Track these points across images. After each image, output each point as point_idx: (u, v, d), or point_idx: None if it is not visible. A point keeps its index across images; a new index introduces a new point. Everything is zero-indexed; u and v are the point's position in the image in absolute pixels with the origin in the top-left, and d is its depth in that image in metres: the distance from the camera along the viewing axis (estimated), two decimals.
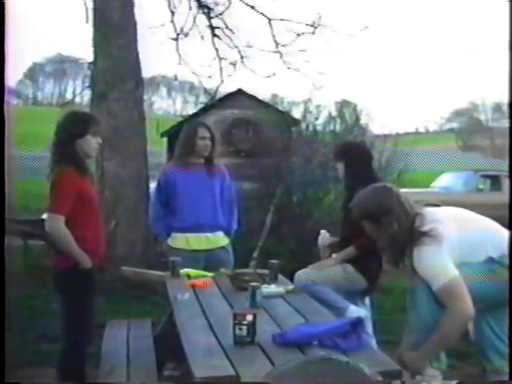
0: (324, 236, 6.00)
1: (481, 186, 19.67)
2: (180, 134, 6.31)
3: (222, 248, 6.11)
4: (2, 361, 3.67)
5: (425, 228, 4.01)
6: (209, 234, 6.03)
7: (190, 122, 6.77)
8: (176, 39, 12.54)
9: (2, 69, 4.16)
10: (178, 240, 6.03)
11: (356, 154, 5.79)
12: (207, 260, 5.95)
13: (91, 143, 4.58)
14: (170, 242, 6.08)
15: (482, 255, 4.08)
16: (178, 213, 6.02)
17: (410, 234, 4.04)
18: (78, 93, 12.75)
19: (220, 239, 6.10)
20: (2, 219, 4.07)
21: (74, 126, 4.54)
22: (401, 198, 4.14)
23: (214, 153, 6.12)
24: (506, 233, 4.20)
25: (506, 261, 4.03)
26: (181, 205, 6.01)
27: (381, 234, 4.15)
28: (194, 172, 6.01)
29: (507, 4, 4.54)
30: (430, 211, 4.20)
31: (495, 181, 19.31)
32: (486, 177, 19.92)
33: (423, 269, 4.01)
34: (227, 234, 6.15)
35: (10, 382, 4.37)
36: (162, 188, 6.11)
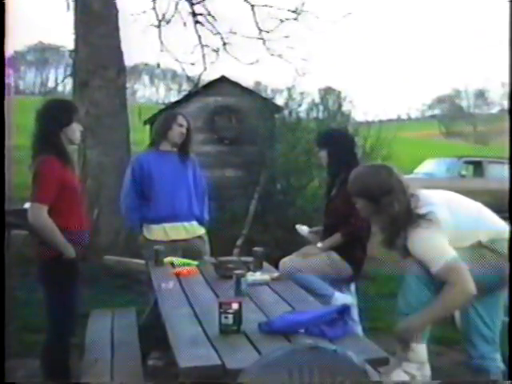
0: (300, 229, 5.98)
1: (463, 172, 19.72)
2: (156, 121, 6.28)
3: (199, 237, 6.09)
4: (2, 361, 3.64)
5: (421, 210, 4.00)
6: (185, 224, 5.99)
7: (170, 111, 6.73)
8: (158, 26, 12.47)
9: (2, 66, 4.13)
10: (156, 231, 5.97)
11: (339, 141, 5.79)
12: (185, 249, 5.90)
13: (76, 131, 4.56)
14: (146, 233, 6.01)
15: (471, 239, 4.07)
16: (154, 203, 5.94)
17: (408, 215, 4.01)
18: (60, 81, 12.67)
19: (196, 228, 6.07)
20: (2, 218, 4.03)
21: (60, 114, 4.50)
22: (400, 178, 4.12)
23: (189, 143, 6.07)
24: (495, 218, 4.19)
25: (496, 246, 4.02)
26: (157, 194, 5.93)
27: (380, 214, 4.11)
28: (169, 161, 5.96)
29: None
30: (424, 193, 4.18)
31: (478, 167, 19.39)
32: (468, 163, 19.98)
33: (421, 252, 3.99)
34: (201, 223, 6.12)
35: (10, 382, 4.35)
36: (137, 177, 5.99)
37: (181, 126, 5.98)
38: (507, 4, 4.29)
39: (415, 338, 4.07)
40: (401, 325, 4.07)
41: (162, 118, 6.17)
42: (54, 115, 4.49)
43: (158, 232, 5.96)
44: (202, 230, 6.13)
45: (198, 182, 6.14)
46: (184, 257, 5.73)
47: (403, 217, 4.02)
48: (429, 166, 20.19)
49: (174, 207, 5.91)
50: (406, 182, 4.15)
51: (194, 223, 6.06)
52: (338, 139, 5.82)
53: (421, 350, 4.17)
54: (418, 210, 4.02)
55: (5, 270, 3.82)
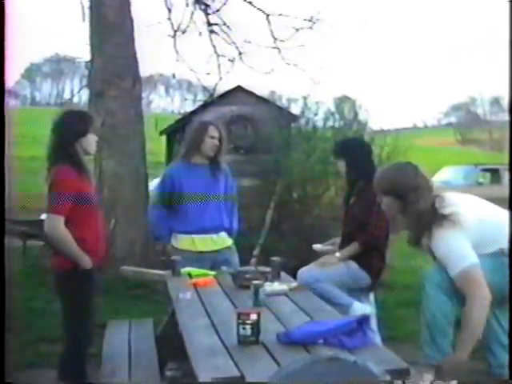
0: (316, 248, 5.99)
1: (481, 180, 19.67)
2: (187, 130, 6.23)
3: (228, 248, 6.04)
4: (2, 361, 3.62)
5: (445, 211, 3.99)
6: (214, 236, 5.95)
7: (200, 120, 6.66)
8: (173, 36, 12.48)
9: (2, 70, 4.12)
10: (184, 241, 5.94)
11: (356, 150, 5.77)
12: (213, 261, 5.87)
13: (92, 141, 4.55)
14: (174, 243, 5.99)
15: (494, 246, 4.04)
16: (183, 215, 5.91)
17: (432, 214, 3.99)
18: (76, 92, 12.72)
19: (225, 239, 6.02)
20: (1, 221, 4.02)
21: (76, 124, 4.50)
22: (426, 176, 4.12)
23: (220, 154, 6.02)
24: None
25: None
26: (186, 208, 5.90)
27: (406, 212, 4.10)
28: (200, 173, 5.91)
29: (506, 0, 4.53)
30: (449, 195, 4.18)
31: (495, 174, 19.32)
32: (485, 170, 19.92)
33: (442, 252, 3.98)
34: (229, 234, 6.08)
35: (10, 382, 4.32)
36: (166, 189, 5.99)
37: (213, 137, 5.93)
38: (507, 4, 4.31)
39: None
40: (447, 365, 4.04)
41: (193, 130, 6.09)
42: (70, 126, 4.49)
43: (186, 242, 5.93)
44: (230, 241, 6.08)
45: (229, 192, 6.10)
46: (212, 268, 5.71)
47: (428, 215, 4.01)
48: (446, 174, 20.15)
49: (203, 221, 5.87)
50: (431, 181, 4.15)
51: (223, 234, 6.01)
52: (355, 148, 5.81)
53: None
54: (442, 209, 4.00)
55: (5, 274, 3.80)
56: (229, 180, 6.11)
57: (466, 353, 4.00)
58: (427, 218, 4.02)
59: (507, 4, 4.40)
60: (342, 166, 5.74)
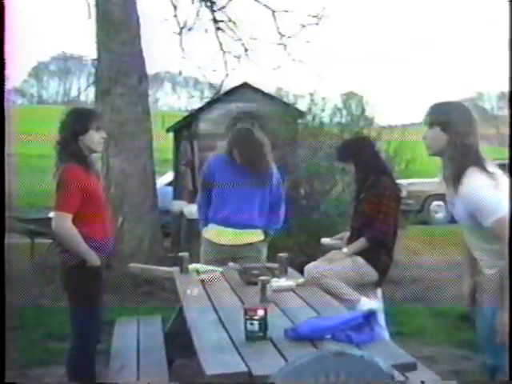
0: (325, 242, 6.00)
1: None
2: (231, 131, 6.31)
3: (251, 244, 6.00)
4: (2, 361, 3.63)
5: (488, 168, 3.97)
6: (237, 230, 5.94)
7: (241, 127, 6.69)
8: (180, 33, 12.49)
9: (2, 69, 4.12)
10: (210, 231, 6.03)
11: (360, 150, 5.74)
12: (235, 254, 5.89)
13: (95, 138, 4.54)
14: (203, 231, 6.12)
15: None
16: (214, 205, 6.03)
17: (477, 156, 3.98)
18: (83, 90, 12.74)
19: (250, 235, 5.99)
20: (1, 219, 4.03)
21: (75, 122, 4.50)
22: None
23: (266, 154, 6.04)
24: None
25: None
26: (216, 198, 6.01)
27: (455, 145, 4.04)
28: (237, 168, 5.95)
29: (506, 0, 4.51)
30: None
31: (502, 169, 19.24)
32: None
33: (477, 200, 3.91)
34: (264, 231, 6.08)
35: (10, 382, 4.34)
36: (205, 178, 6.16)
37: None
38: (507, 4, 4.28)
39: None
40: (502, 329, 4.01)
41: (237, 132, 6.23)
42: (70, 124, 4.51)
43: (209, 232, 6.03)
44: (259, 238, 6.05)
45: (275, 191, 6.10)
46: (235, 261, 5.74)
47: (474, 154, 3.97)
48: None
49: (229, 212, 5.92)
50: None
51: (249, 230, 5.99)
52: (358, 149, 5.78)
53: None
54: (484, 160, 4.00)
55: (5, 273, 3.81)
56: (274, 179, 6.10)
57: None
58: (473, 156, 3.99)
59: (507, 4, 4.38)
60: (351, 167, 5.74)
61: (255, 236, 6.02)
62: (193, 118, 12.48)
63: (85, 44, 13.29)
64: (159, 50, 13.07)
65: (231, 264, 5.65)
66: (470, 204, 3.90)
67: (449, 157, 4.04)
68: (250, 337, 3.45)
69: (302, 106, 12.03)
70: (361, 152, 5.69)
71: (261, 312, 3.47)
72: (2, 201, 4.13)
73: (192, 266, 5.52)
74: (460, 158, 3.98)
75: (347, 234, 5.78)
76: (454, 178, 3.99)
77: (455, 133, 3.97)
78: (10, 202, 14.11)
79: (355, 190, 5.85)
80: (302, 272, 5.37)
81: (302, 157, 10.79)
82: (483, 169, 3.92)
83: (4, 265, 3.90)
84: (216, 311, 4.15)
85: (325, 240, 6.02)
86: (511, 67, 4.16)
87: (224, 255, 5.85)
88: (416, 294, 8.18)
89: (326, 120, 11.34)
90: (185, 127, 12.79)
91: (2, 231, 4.08)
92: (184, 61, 12.58)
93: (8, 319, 3.69)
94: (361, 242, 5.46)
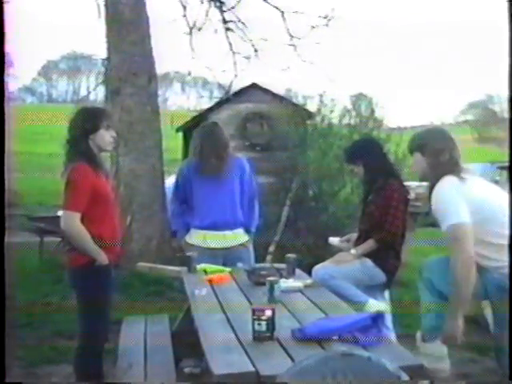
0: (332, 241, 5.99)
1: (497, 178, 19.55)
2: (195, 135, 6.24)
3: (241, 245, 6.03)
4: (2, 361, 3.64)
5: (463, 175, 4.19)
6: (227, 232, 5.95)
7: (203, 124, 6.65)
8: (189, 34, 12.51)
9: (2, 68, 4.14)
10: (196, 237, 5.97)
11: (369, 152, 5.75)
12: (225, 258, 5.88)
13: (105, 137, 4.55)
14: (187, 238, 6.03)
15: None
16: (195, 211, 5.97)
17: (450, 169, 4.23)
18: (92, 89, 12.73)
19: (239, 237, 6.02)
20: (2, 220, 4.04)
21: (85, 121, 4.51)
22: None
23: (229, 149, 6.04)
24: None
25: None
26: (197, 202, 5.96)
27: (431, 162, 4.35)
28: (206, 167, 5.92)
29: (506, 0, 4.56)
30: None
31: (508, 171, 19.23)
32: (502, 168, 19.80)
33: (437, 205, 4.16)
34: (247, 230, 6.08)
35: (10, 382, 4.35)
36: (180, 184, 6.08)
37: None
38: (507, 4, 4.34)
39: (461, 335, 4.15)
40: (445, 334, 4.18)
41: (200, 134, 6.15)
42: (81, 122, 4.51)
43: (197, 238, 5.97)
44: (245, 238, 6.07)
45: (247, 187, 6.08)
46: (224, 265, 5.73)
47: (449, 167, 4.26)
48: None
49: (215, 216, 5.88)
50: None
51: (238, 231, 6.02)
52: (367, 151, 5.77)
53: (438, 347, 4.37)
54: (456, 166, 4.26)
55: (5, 272, 3.82)
56: (245, 174, 6.08)
57: (455, 316, 4.10)
58: (447, 168, 4.26)
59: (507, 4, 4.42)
60: (359, 169, 5.73)
61: (243, 236, 6.06)
62: (202, 118, 12.49)
63: (94, 43, 13.32)
64: (169, 50, 13.10)
65: (239, 264, 5.66)
66: (433, 210, 4.20)
67: (429, 174, 4.34)
68: (258, 337, 3.46)
69: (312, 107, 12.04)
70: (369, 154, 5.70)
71: (268, 312, 3.48)
72: (2, 200, 4.14)
73: (200, 266, 5.53)
74: (435, 172, 4.22)
75: (355, 235, 5.78)
76: (430, 188, 4.26)
77: (430, 153, 4.31)
78: (20, 201, 14.15)
79: (363, 192, 5.85)
80: (309, 273, 5.38)
81: (311, 158, 10.79)
82: (455, 176, 4.15)
83: (4, 264, 3.91)
84: (224, 311, 4.16)
85: (332, 240, 6.01)
86: (511, 70, 4.22)
87: (217, 259, 5.83)
88: None
89: (335, 121, 11.34)
90: (194, 127, 12.79)
91: (2, 231, 4.09)
92: (193, 61, 12.60)
93: (16, 317, 3.71)
94: (369, 244, 5.46)
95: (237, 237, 6.00)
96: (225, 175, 5.91)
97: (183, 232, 6.06)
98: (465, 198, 4.07)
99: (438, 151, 4.29)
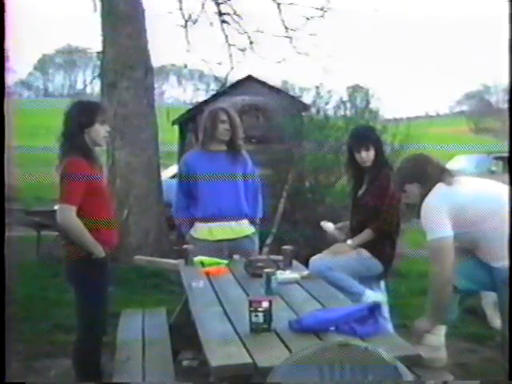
0: (325, 226, 5.94)
1: (493, 168, 19.59)
2: (200, 120, 6.19)
3: (246, 237, 5.97)
4: (2, 361, 3.65)
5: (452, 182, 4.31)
6: (232, 224, 5.90)
7: (210, 108, 6.57)
8: (185, 26, 12.51)
9: (2, 65, 4.13)
10: (201, 230, 5.92)
11: (380, 138, 5.80)
12: (231, 249, 5.85)
13: (100, 132, 4.54)
14: (192, 232, 5.98)
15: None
16: (200, 203, 5.90)
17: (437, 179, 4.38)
18: (89, 83, 12.75)
19: (244, 228, 5.97)
20: (2, 218, 4.04)
21: (81, 115, 4.49)
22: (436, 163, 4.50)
23: (236, 139, 5.97)
24: None
25: None
26: (202, 194, 5.89)
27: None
28: (216, 159, 5.88)
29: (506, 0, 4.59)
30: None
31: (503, 161, 19.23)
32: (498, 158, 19.84)
33: (422, 220, 4.33)
34: (252, 222, 6.04)
35: (10, 382, 4.36)
36: (183, 177, 6.01)
37: (223, 122, 5.90)
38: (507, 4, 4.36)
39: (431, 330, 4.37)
40: (416, 327, 4.41)
41: (205, 118, 6.04)
42: (76, 116, 4.49)
43: (203, 231, 5.92)
44: (250, 230, 6.03)
45: (250, 180, 6.04)
46: (230, 257, 5.71)
47: (436, 176, 4.40)
48: (458, 163, 20.08)
49: (221, 207, 5.83)
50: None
51: (243, 222, 5.98)
52: (378, 135, 5.84)
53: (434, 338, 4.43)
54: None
55: (5, 270, 3.83)
56: (248, 167, 6.03)
57: (430, 319, 4.34)
58: (435, 177, 4.38)
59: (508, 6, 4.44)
60: (367, 155, 5.62)
61: (249, 228, 6.02)
62: (198, 110, 12.49)
63: (90, 37, 13.31)
64: (164, 43, 13.06)
65: (236, 256, 5.66)
66: (420, 222, 4.37)
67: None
68: (255, 329, 3.47)
69: (308, 98, 12.05)
70: (379, 139, 5.75)
71: (265, 304, 3.48)
72: (2, 199, 4.14)
73: (197, 259, 5.53)
74: (427, 190, 4.37)
75: (347, 223, 5.77)
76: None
77: (425, 180, 4.41)
78: (17, 195, 14.14)
79: (353, 184, 5.78)
80: (306, 264, 5.38)
81: (307, 150, 10.79)
82: (443, 183, 4.24)
83: (4, 262, 3.92)
84: (221, 303, 4.16)
85: (326, 225, 5.92)
86: (511, 64, 4.24)
87: (222, 251, 5.80)
88: (422, 288, 8.17)
89: (331, 113, 11.34)
90: (190, 120, 12.80)
91: (2, 229, 4.10)
92: (189, 54, 12.60)
93: (14, 311, 3.71)
94: (366, 234, 5.46)
95: (242, 228, 5.97)
96: (233, 166, 5.91)
97: (188, 227, 6.03)
98: (452, 203, 4.21)
99: (429, 175, 4.40)
